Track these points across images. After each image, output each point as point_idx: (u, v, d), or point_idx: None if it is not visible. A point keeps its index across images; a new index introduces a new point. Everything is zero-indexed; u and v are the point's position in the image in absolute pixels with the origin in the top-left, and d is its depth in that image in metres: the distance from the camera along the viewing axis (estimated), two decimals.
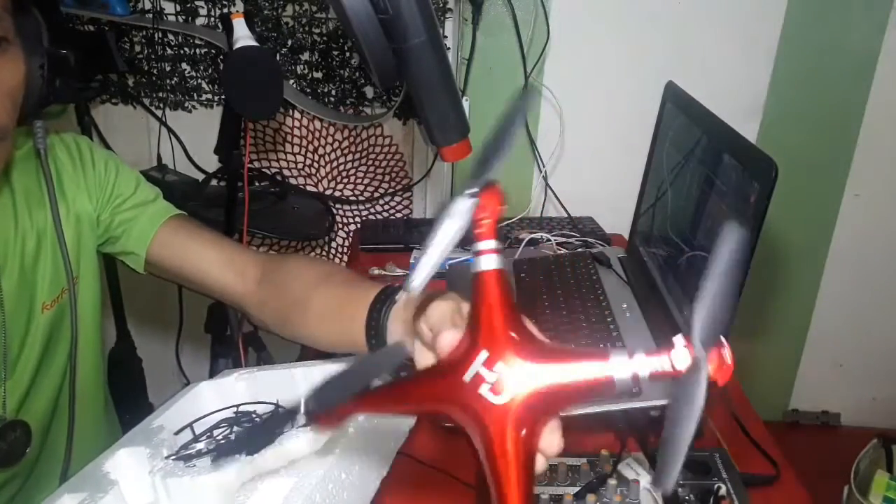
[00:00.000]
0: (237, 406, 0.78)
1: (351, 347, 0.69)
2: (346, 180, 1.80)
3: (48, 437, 0.85)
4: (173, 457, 0.70)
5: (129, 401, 0.99)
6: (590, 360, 0.41)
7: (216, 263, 0.85)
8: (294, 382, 0.80)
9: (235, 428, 0.75)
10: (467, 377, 0.43)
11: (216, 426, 0.76)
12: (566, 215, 1.63)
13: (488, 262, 0.44)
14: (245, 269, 0.84)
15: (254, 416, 0.77)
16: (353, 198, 1.81)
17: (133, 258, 0.87)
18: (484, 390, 0.42)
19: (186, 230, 0.88)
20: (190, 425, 0.75)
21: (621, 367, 0.39)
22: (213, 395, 0.79)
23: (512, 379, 0.42)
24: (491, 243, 0.44)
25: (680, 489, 0.75)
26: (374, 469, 0.70)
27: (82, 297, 0.85)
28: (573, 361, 0.41)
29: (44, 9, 0.71)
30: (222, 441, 0.72)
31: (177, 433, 0.74)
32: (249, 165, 1.27)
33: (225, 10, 1.62)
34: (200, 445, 0.72)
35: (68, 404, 0.84)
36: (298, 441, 0.67)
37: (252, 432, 0.72)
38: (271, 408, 0.77)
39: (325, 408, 0.46)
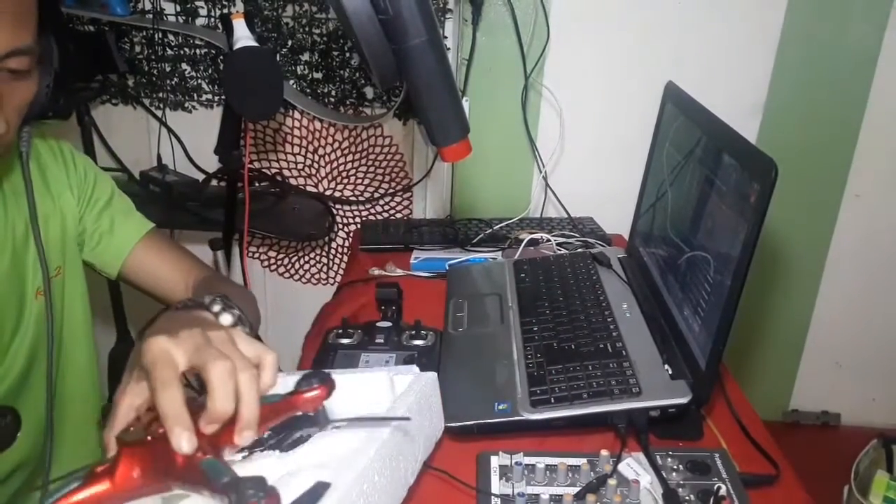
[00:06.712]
0: None
1: None
2: (346, 180, 1.80)
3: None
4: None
5: None
6: None
7: (181, 285, 0.94)
8: None
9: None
10: None
11: None
12: (566, 215, 1.63)
13: None
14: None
15: None
16: (353, 198, 1.81)
17: (107, 268, 0.93)
18: None
19: (158, 248, 0.96)
20: None
21: None
22: None
23: None
24: None
25: (680, 489, 0.75)
26: (402, 477, 0.70)
27: (69, 288, 0.88)
28: None
29: (56, 27, 0.74)
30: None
31: None
32: (249, 165, 1.27)
33: (225, 11, 1.62)
34: None
35: (46, 396, 0.82)
36: (331, 440, 0.67)
37: (282, 433, 0.73)
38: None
39: None
